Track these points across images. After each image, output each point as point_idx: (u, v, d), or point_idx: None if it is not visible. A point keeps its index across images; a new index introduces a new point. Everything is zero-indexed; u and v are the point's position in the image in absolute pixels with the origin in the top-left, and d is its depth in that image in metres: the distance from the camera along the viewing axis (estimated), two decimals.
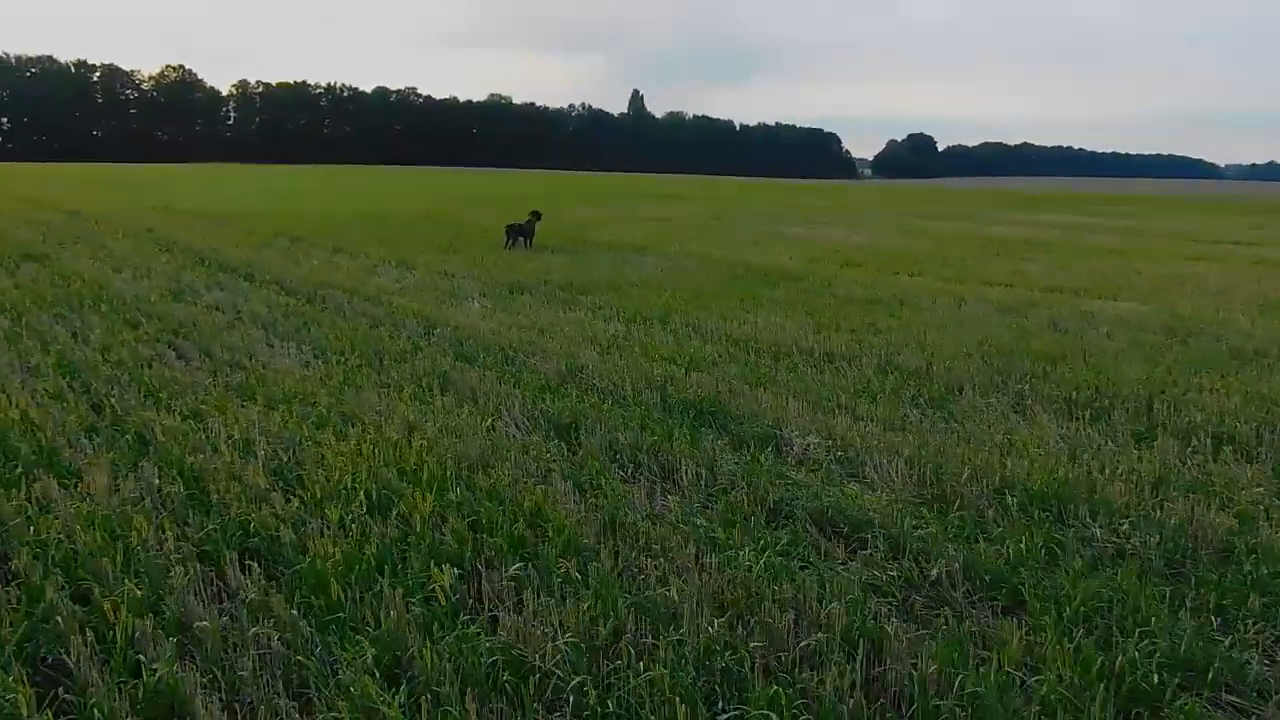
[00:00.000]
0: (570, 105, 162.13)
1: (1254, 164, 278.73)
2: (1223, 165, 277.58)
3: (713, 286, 12.50)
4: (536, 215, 17.54)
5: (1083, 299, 12.52)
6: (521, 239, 17.00)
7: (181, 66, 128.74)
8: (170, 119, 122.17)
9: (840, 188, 71.44)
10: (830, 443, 5.54)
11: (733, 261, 15.76)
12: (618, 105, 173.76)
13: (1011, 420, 6.12)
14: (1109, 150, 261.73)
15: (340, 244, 16.43)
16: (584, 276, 12.98)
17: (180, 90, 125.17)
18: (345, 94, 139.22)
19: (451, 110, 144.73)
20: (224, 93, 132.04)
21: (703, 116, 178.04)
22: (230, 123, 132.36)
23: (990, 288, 13.62)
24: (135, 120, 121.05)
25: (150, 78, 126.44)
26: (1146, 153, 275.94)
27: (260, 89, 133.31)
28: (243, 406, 6.04)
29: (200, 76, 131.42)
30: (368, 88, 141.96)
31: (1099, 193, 62.39)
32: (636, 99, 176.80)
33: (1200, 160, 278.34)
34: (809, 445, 5.47)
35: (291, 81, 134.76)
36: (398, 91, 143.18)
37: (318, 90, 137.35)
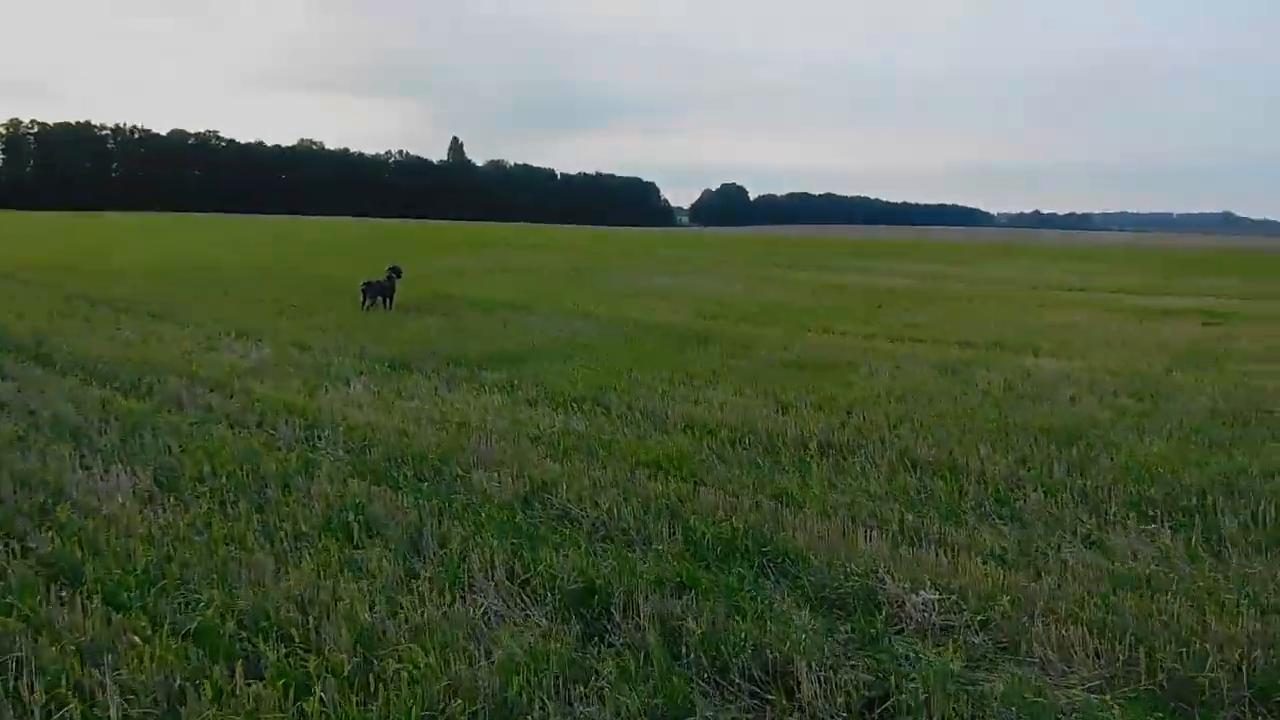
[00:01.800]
0: (387, 151, 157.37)
1: (1020, 212, 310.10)
2: (995, 214, 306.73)
3: (627, 353, 10.92)
4: (396, 271, 15.39)
5: (1010, 354, 11.87)
6: (381, 298, 14.81)
7: None
8: None
9: (677, 236, 72.09)
10: (947, 596, 4.05)
11: (626, 320, 14.26)
12: (436, 152, 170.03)
13: (1128, 540, 4.86)
14: (900, 200, 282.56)
15: (160, 308, 13.62)
16: (474, 345, 11.06)
17: None
18: (136, 135, 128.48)
19: (257, 154, 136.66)
20: None
21: (523, 164, 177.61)
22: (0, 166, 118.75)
23: (905, 344, 12.82)
24: None
25: None
26: (932, 202, 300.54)
27: (35, 128, 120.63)
28: (59, 603, 3.83)
29: None
30: (163, 129, 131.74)
31: (916, 240, 65.97)
32: (456, 146, 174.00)
33: (977, 209, 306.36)
34: (927, 604, 3.96)
35: (73, 121, 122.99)
36: (197, 134, 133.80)
37: (103, 131, 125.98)
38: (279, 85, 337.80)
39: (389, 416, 7.27)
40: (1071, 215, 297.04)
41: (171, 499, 5.19)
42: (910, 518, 5.04)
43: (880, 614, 3.89)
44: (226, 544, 4.50)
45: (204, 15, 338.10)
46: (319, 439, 6.59)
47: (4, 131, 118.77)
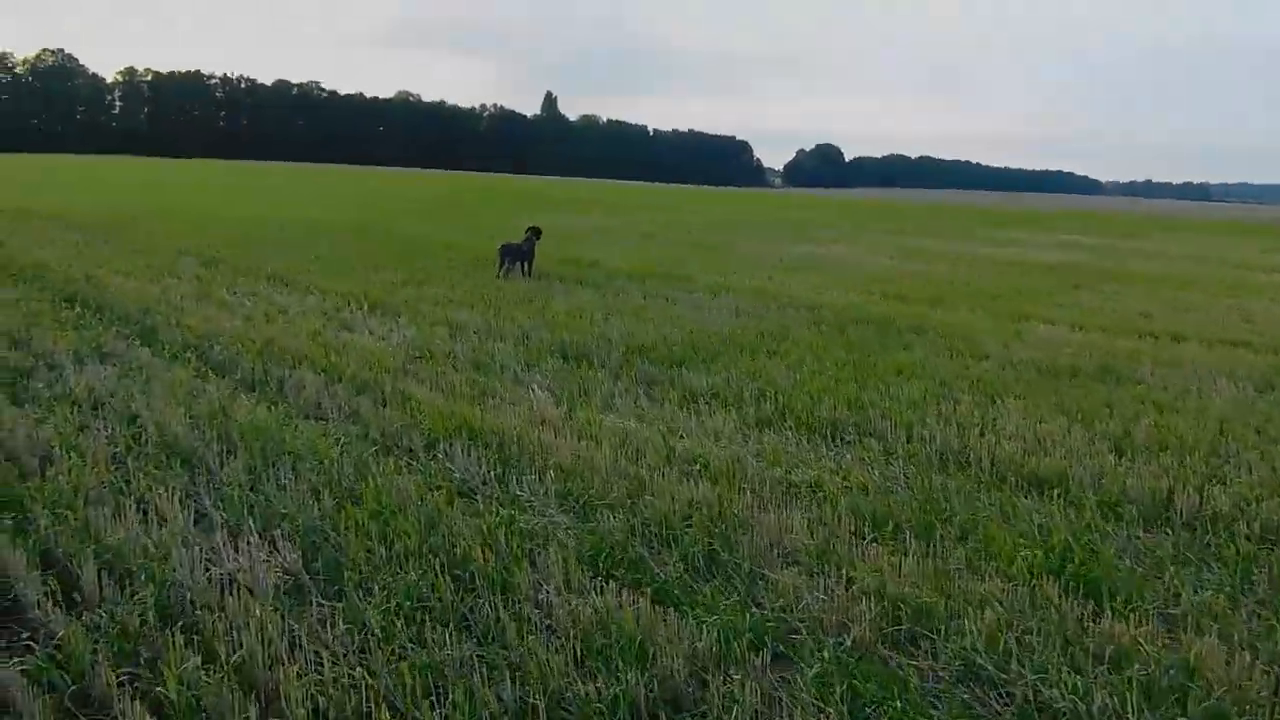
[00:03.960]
0: (481, 105, 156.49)
1: (1132, 180, 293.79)
2: (1104, 181, 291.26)
3: (832, 347, 8.77)
4: (536, 232, 13.48)
5: None
6: (520, 264, 12.95)
7: (60, 50, 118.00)
8: (47, 107, 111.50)
9: (780, 197, 69.00)
10: None
11: (795, 300, 12.04)
12: (529, 107, 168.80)
13: None
14: (1001, 164, 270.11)
15: (275, 269, 12.02)
16: (645, 330, 9.06)
17: (59, 76, 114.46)
18: (243, 85, 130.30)
19: (358, 107, 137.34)
20: (109, 80, 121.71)
21: (616, 120, 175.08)
22: (115, 112, 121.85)
23: (1158, 341, 10.34)
24: (7, 107, 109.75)
25: (25, 61, 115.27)
26: (1036, 168, 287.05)
27: (149, 77, 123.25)
28: None
29: (82, 62, 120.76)
30: (267, 80, 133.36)
31: (1055, 210, 61.27)
32: (550, 100, 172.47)
33: (1086, 176, 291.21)
34: None
35: (184, 70, 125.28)
36: (300, 85, 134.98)
37: (213, 80, 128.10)
38: (378, 40, 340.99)
39: (597, 447, 5.31)
40: (1188, 185, 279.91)
41: (332, 608, 3.32)
42: None
43: None
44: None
45: None
46: (518, 482, 4.67)
47: (121, 80, 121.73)
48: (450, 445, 5.14)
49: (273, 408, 5.82)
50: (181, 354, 6.97)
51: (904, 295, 13.35)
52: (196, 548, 3.73)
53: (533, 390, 6.54)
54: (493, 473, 4.82)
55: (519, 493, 4.57)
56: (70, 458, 4.65)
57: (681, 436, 5.66)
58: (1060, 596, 3.62)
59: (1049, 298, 14.18)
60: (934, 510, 4.49)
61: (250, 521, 4.01)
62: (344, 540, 3.86)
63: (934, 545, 4.07)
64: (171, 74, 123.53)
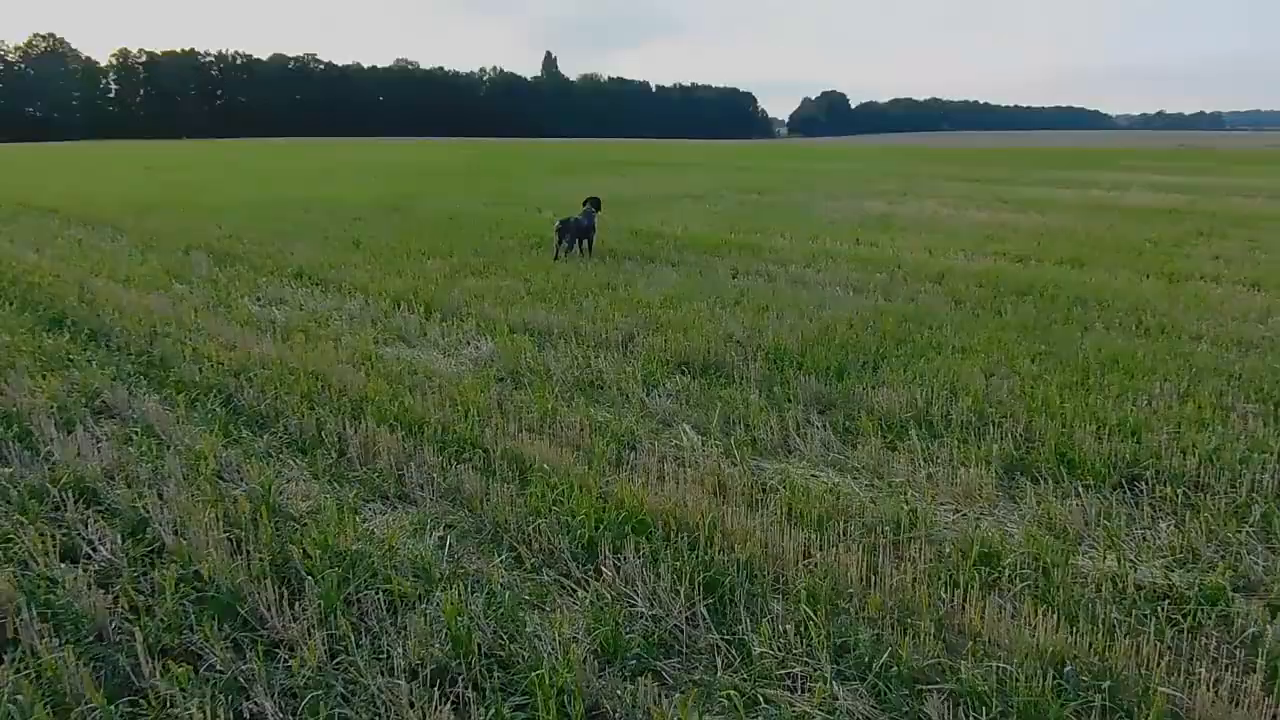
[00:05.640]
0: (480, 69, 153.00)
1: (1144, 113, 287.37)
2: (1114, 115, 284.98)
3: (1008, 335, 6.95)
4: (596, 204, 11.61)
5: None
6: (579, 242, 11.13)
7: (51, 35, 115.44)
8: (42, 93, 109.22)
9: (802, 148, 66.51)
10: None
11: (920, 271, 10.20)
12: (529, 69, 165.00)
13: None
14: (1011, 104, 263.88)
15: (303, 263, 10.22)
16: (768, 323, 7.26)
17: (52, 61, 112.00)
18: (239, 62, 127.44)
19: (356, 77, 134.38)
20: (102, 63, 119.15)
21: (617, 78, 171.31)
22: (112, 95, 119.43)
23: None
24: (1, 96, 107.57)
25: (16, 48, 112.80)
26: (1046, 105, 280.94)
27: (144, 58, 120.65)
28: None
29: (74, 46, 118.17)
30: (263, 55, 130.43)
31: (1097, 146, 58.56)
32: (550, 60, 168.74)
33: (1097, 111, 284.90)
34: None
35: (179, 50, 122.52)
36: (296, 58, 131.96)
37: (208, 59, 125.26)
38: (373, 6, 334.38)
39: (818, 532, 3.56)
40: (1201, 114, 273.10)
41: None
42: None
43: None
44: None
45: None
46: (749, 625, 2.93)
47: (115, 62, 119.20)
48: (618, 553, 3.40)
49: (339, 486, 4.09)
50: (203, 401, 5.22)
51: (1029, 255, 11.48)
52: None
53: (684, 433, 4.78)
54: (703, 609, 3.07)
55: (762, 652, 2.84)
56: (45, 630, 2.93)
57: (916, 495, 3.92)
58: None
59: (1184, 249, 12.33)
60: None
61: None
62: None
63: None
64: (167, 54, 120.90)
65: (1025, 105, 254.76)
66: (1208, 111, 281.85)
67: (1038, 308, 8.20)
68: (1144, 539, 3.67)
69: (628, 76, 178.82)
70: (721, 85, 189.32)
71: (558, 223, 11.02)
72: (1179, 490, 4.04)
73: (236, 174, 30.32)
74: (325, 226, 14.01)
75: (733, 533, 3.58)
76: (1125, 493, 4.14)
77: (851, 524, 3.67)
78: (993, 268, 10.42)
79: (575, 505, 3.76)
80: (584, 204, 11.57)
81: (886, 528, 3.68)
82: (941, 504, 4.03)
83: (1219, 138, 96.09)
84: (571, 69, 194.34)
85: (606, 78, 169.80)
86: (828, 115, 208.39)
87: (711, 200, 19.77)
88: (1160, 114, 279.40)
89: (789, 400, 5.39)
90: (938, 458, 4.50)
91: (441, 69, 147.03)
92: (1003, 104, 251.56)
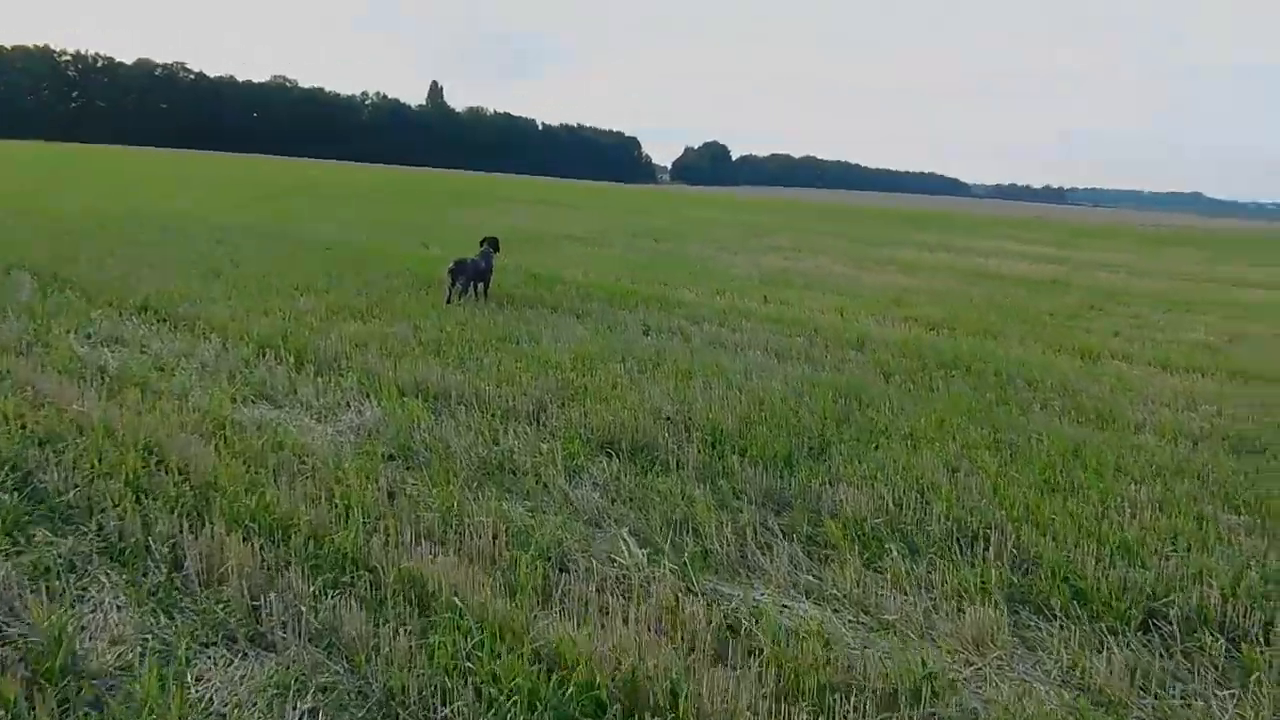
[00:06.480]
0: (363, 92, 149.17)
1: (998, 184, 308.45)
2: (972, 184, 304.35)
3: (955, 418, 6.41)
4: (493, 244, 10.66)
5: None
6: (475, 286, 10.11)
7: None
8: None
9: (688, 196, 67.17)
10: None
11: (837, 337, 9.70)
12: (411, 97, 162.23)
13: None
14: (881, 166, 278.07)
15: (150, 293, 8.77)
16: (695, 395, 6.48)
17: None
18: (99, 64, 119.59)
19: (228, 90, 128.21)
20: None
21: (504, 113, 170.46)
22: None
23: (1268, 384, 8.55)
24: None
25: None
26: (912, 170, 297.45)
27: None
28: None
29: None
30: (128, 59, 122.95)
31: (953, 211, 61.42)
32: (436, 91, 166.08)
33: (956, 180, 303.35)
34: None
35: (32, 45, 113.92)
36: (164, 65, 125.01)
37: (65, 58, 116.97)
38: (250, 15, 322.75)
39: (822, 715, 2.73)
40: (1048, 189, 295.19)
41: None
42: None
43: None
44: None
45: None
46: None
47: None
48: None
49: (168, 619, 2.98)
50: (19, 523, 3.93)
51: (941, 324, 11.19)
52: None
53: (623, 543, 3.88)
54: None
55: None
56: None
57: (914, 639, 3.14)
58: None
59: (1081, 323, 12.39)
60: None
61: None
62: None
63: None
64: (17, 48, 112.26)
65: (893, 169, 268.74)
66: (1053, 186, 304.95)
67: (970, 385, 7.75)
68: (1209, 714, 3.00)
69: (514, 113, 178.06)
70: (607, 129, 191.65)
71: (452, 263, 9.97)
72: (1218, 639, 3.42)
73: (86, 181, 27.65)
74: (183, 248, 12.44)
75: (711, 715, 2.69)
76: (1153, 636, 3.50)
77: (863, 697, 2.85)
78: (910, 336, 10.03)
79: (501, 668, 2.78)
80: (481, 244, 10.59)
81: (903, 697, 2.88)
82: (951, 652, 3.27)
83: (1064, 210, 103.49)
84: (457, 100, 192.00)
85: (493, 111, 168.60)
86: (710, 164, 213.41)
87: (606, 244, 19.05)
88: (1013, 185, 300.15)
89: (736, 497, 4.58)
90: (928, 582, 3.77)
91: (321, 89, 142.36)
92: (872, 166, 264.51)
